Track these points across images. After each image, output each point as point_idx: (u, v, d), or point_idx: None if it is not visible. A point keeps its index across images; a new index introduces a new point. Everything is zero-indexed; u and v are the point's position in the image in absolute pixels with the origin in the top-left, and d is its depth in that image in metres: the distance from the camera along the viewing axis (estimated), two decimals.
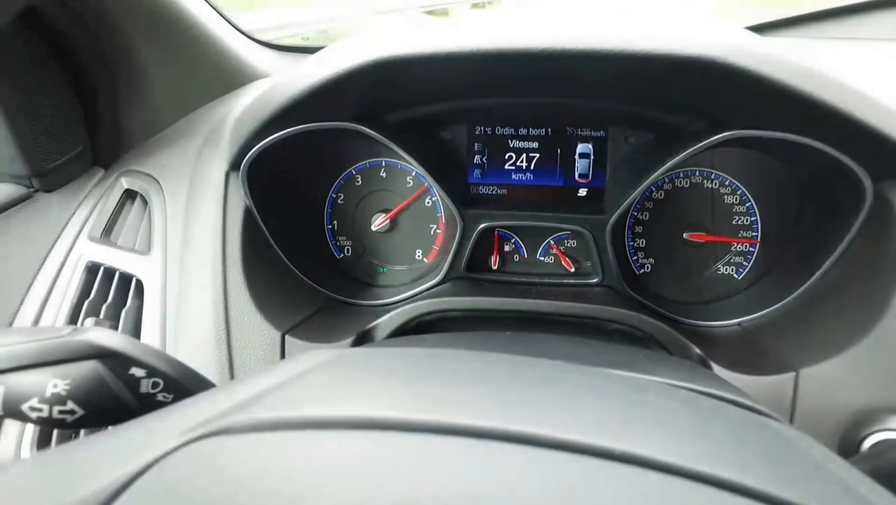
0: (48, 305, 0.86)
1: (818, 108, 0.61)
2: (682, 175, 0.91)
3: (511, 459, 0.26)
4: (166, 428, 0.30)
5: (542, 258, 0.95)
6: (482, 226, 0.89)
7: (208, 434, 0.28)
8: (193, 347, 0.78)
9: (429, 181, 0.89)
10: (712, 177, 0.90)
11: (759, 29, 1.10)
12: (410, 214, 0.96)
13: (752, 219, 0.89)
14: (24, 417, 0.41)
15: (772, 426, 0.37)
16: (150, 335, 0.81)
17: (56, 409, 0.41)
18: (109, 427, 0.34)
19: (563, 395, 0.35)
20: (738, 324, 0.84)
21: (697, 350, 0.75)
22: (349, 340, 0.78)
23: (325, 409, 0.30)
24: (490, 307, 0.82)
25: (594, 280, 0.89)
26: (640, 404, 0.35)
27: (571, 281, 0.92)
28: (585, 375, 0.40)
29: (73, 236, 0.91)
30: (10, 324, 0.85)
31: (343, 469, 0.25)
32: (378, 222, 0.94)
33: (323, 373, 0.37)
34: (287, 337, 0.76)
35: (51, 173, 0.93)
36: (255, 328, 0.76)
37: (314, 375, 0.37)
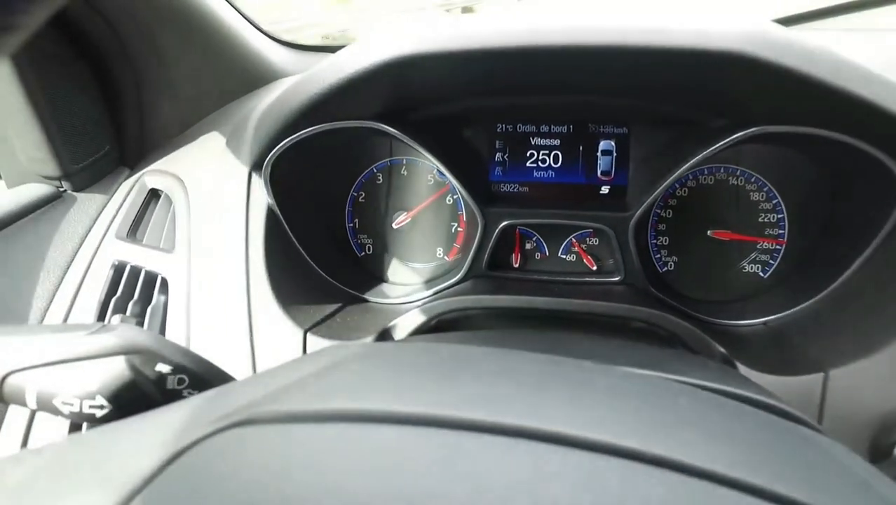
0: (77, 303, 0.88)
1: (850, 101, 0.60)
2: (706, 172, 0.90)
3: (542, 459, 0.26)
4: (198, 416, 0.30)
5: (564, 256, 0.94)
6: (504, 224, 0.89)
7: (239, 423, 0.29)
8: (217, 344, 0.79)
9: (450, 179, 0.89)
10: (737, 173, 0.89)
11: (787, 21, 1.07)
12: (431, 212, 0.96)
13: (779, 216, 0.88)
14: (56, 411, 0.42)
15: (802, 432, 0.36)
16: (175, 332, 0.83)
17: (86, 403, 0.42)
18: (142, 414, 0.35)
19: (595, 395, 0.35)
20: (764, 323, 0.83)
21: (722, 349, 0.73)
22: (370, 337, 0.78)
23: (355, 402, 0.30)
24: (511, 305, 0.82)
25: (616, 278, 0.88)
26: (671, 407, 0.34)
27: (593, 279, 0.91)
28: (618, 377, 0.39)
29: (100, 235, 0.93)
30: (42, 321, 0.88)
31: (372, 463, 0.26)
32: (399, 220, 0.94)
33: (352, 366, 0.37)
34: (309, 335, 0.77)
35: (79, 174, 0.95)
36: (278, 326, 0.77)
37: (343, 367, 0.37)
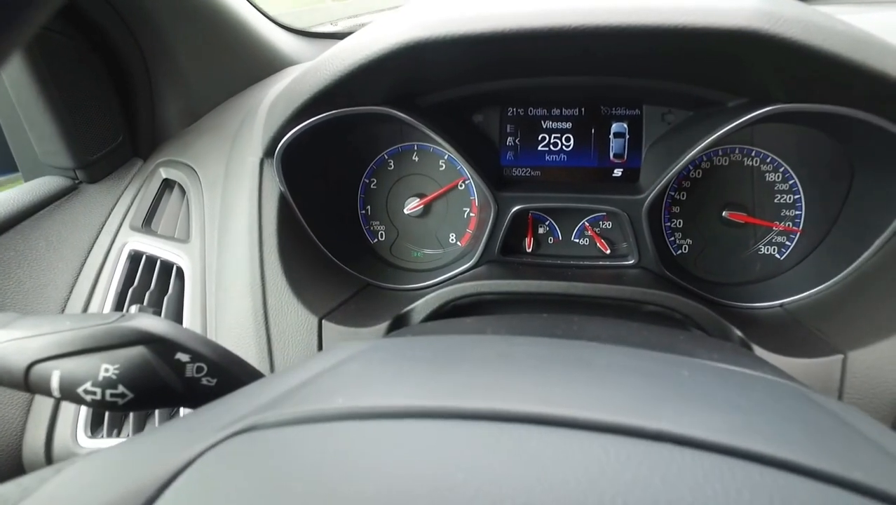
0: (95, 293, 0.90)
1: (872, 78, 0.58)
2: (720, 153, 0.88)
3: (546, 443, 0.26)
4: (204, 427, 0.31)
5: (577, 240, 0.94)
6: (516, 208, 0.88)
7: (243, 430, 0.29)
8: (233, 333, 0.80)
9: (461, 164, 0.89)
10: (753, 154, 0.87)
11: None
12: (443, 198, 0.96)
13: (796, 197, 0.86)
14: (79, 400, 0.43)
15: (809, 396, 0.36)
16: (192, 321, 0.84)
17: (108, 392, 0.43)
18: (148, 428, 0.35)
19: (593, 375, 0.35)
20: (781, 305, 0.82)
21: (738, 332, 0.73)
22: (385, 324, 0.78)
23: (355, 400, 0.31)
24: (525, 290, 0.82)
25: (630, 261, 0.88)
26: (675, 381, 0.35)
27: (607, 263, 0.90)
28: (618, 355, 0.39)
29: (115, 226, 0.94)
30: (62, 311, 0.89)
31: (374, 459, 0.26)
32: (411, 206, 0.94)
33: (352, 366, 0.38)
34: (324, 322, 0.77)
35: (93, 165, 0.96)
36: (292, 313, 0.78)
37: (345, 366, 0.37)
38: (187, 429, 0.32)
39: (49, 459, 0.82)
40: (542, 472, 0.24)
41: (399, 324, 0.80)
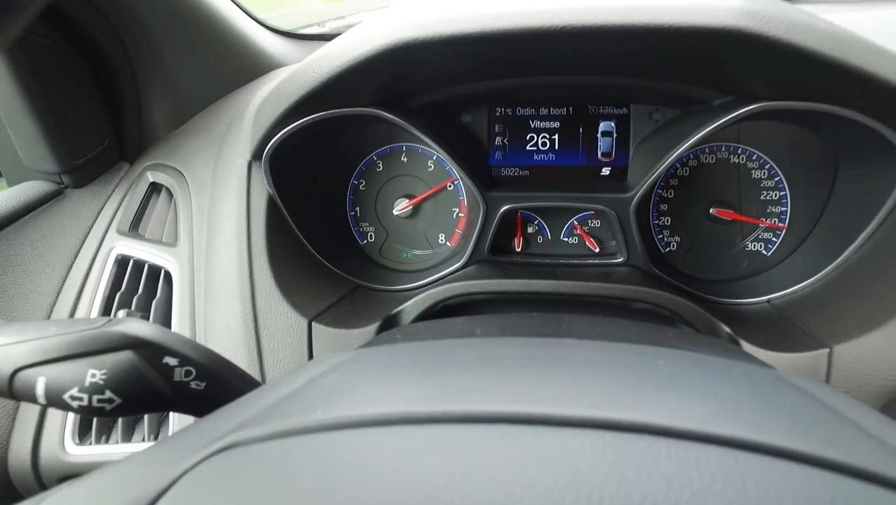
0: (82, 298, 0.89)
1: (854, 75, 0.59)
2: (707, 150, 0.89)
3: (522, 441, 0.27)
4: (184, 447, 0.31)
5: (566, 239, 0.94)
6: (505, 208, 0.88)
7: (222, 449, 0.29)
8: (222, 336, 0.79)
9: (450, 165, 0.89)
10: (739, 152, 0.88)
11: None
12: (432, 199, 0.96)
13: (782, 193, 0.87)
14: (66, 406, 0.42)
15: (785, 378, 0.37)
16: (180, 325, 0.83)
17: (95, 397, 0.42)
18: (134, 442, 0.35)
19: (569, 371, 0.35)
20: (768, 301, 0.83)
21: (726, 328, 0.74)
22: (375, 325, 0.78)
23: (334, 411, 0.31)
24: (515, 289, 0.82)
25: (619, 259, 0.88)
26: (650, 372, 0.35)
27: (596, 261, 0.91)
28: (596, 350, 0.40)
29: (102, 231, 0.93)
30: (48, 317, 0.88)
31: (352, 467, 0.26)
32: (400, 207, 0.94)
33: (331, 377, 0.38)
34: (314, 324, 0.77)
35: (79, 169, 0.95)
36: (282, 316, 0.77)
37: (322, 379, 0.38)
38: (168, 451, 0.32)
39: (35, 467, 0.81)
40: (519, 471, 0.24)
41: (389, 325, 0.80)
